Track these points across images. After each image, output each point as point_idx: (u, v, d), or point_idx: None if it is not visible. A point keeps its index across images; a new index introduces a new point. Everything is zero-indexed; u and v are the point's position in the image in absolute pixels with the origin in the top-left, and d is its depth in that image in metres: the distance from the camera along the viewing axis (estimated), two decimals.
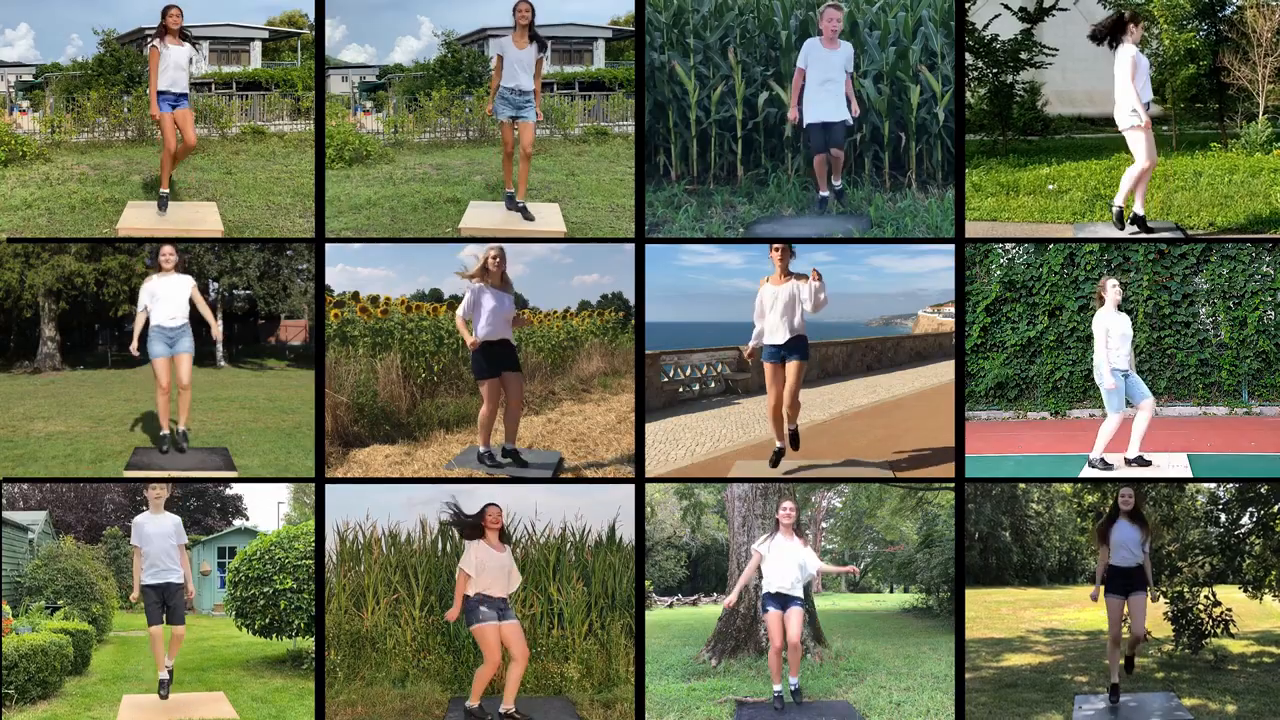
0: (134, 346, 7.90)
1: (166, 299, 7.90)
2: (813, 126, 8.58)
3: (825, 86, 8.48)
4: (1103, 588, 7.71)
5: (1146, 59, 8.24)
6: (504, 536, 7.20)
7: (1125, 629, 8.08)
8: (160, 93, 8.29)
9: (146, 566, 7.62)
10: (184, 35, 8.35)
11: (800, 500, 9.76)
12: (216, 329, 8.24)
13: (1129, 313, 9.09)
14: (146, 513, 7.70)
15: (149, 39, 8.43)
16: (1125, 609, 7.64)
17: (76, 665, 8.65)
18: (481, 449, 7.86)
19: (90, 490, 12.12)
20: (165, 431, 7.97)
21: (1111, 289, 8.10)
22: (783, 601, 7.23)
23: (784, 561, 7.27)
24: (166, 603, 7.63)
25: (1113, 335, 8.02)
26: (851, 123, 8.68)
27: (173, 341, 7.90)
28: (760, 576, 7.43)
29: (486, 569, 7.00)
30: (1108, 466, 8.05)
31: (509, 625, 6.98)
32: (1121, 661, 7.75)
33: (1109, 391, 8.02)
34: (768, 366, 7.72)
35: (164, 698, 7.63)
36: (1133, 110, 8.08)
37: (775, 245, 7.66)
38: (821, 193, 8.68)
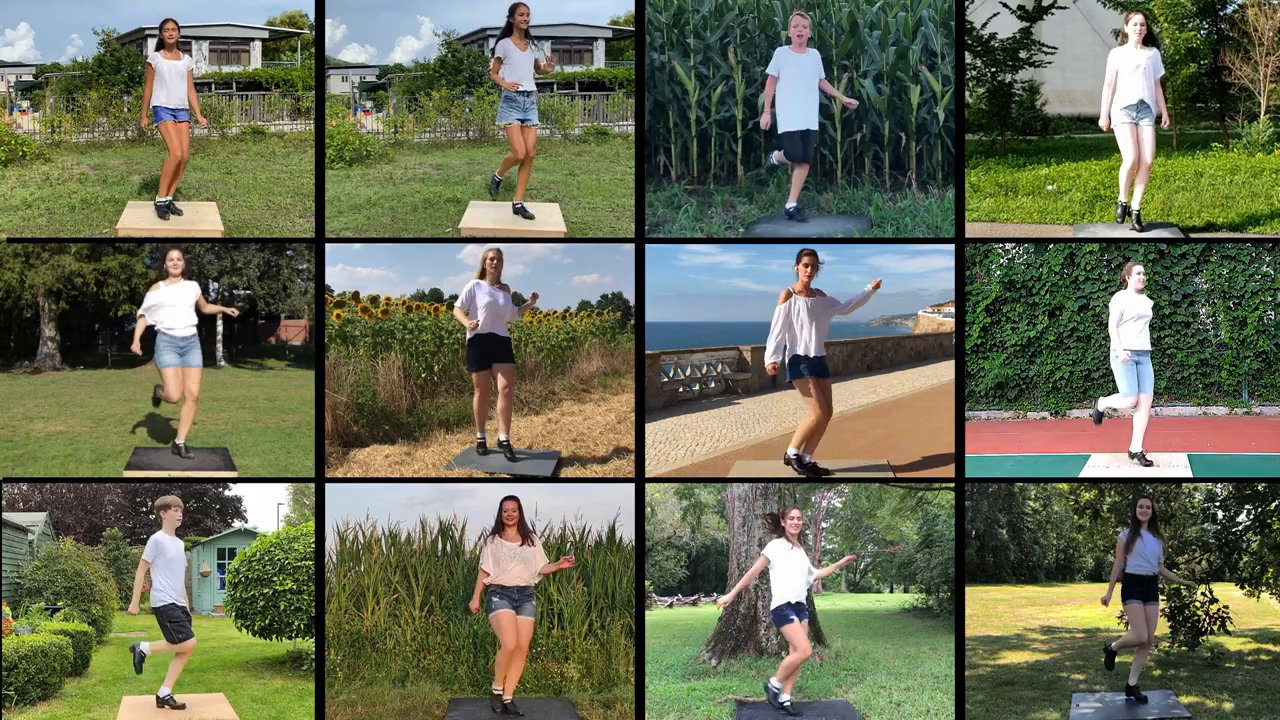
0: (135, 346, 7.84)
1: (175, 308, 7.84)
2: (791, 134, 8.47)
3: (799, 93, 8.43)
4: (1117, 592, 7.71)
5: (1138, 56, 8.23)
6: (525, 533, 7.23)
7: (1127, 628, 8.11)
8: (157, 107, 8.30)
9: (174, 586, 7.44)
10: (181, 47, 8.38)
11: (800, 500, 9.76)
12: (220, 310, 8.16)
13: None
14: (164, 533, 7.49)
15: (151, 41, 8.46)
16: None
17: (76, 666, 8.66)
18: (478, 434, 8.07)
19: (90, 491, 12.12)
20: (180, 441, 7.93)
21: (1135, 274, 8.15)
22: (800, 611, 7.21)
23: (797, 570, 7.24)
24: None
25: (1127, 315, 8.07)
26: (850, 111, 8.84)
27: (184, 351, 7.86)
28: (760, 578, 7.41)
29: (501, 560, 7.13)
30: (1148, 463, 8.05)
31: (524, 619, 7.11)
32: (1108, 657, 7.78)
33: (1123, 367, 8.05)
34: (810, 382, 7.51)
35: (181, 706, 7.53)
36: (1116, 110, 8.28)
37: (806, 261, 7.48)
38: (790, 204, 8.61)
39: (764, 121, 8.52)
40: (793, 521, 7.32)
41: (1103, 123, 8.39)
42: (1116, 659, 7.80)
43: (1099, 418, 8.35)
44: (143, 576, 7.45)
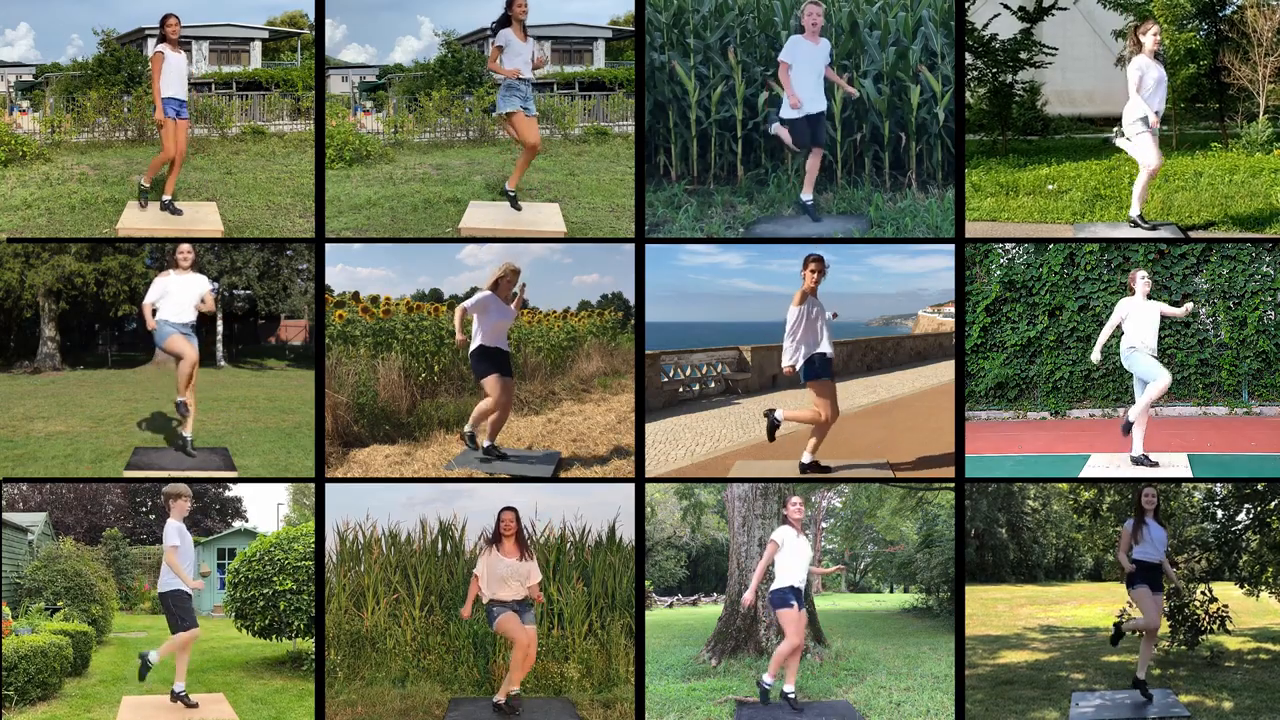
0: (150, 324, 7.81)
1: (178, 298, 7.84)
2: (798, 120, 8.47)
3: (810, 80, 8.45)
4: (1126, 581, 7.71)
5: (1159, 68, 8.19)
6: (523, 545, 7.20)
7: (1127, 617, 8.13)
8: (165, 98, 8.33)
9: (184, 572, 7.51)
10: (181, 45, 8.41)
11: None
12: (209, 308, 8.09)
13: None
14: (179, 522, 7.52)
15: (150, 40, 8.48)
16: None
17: (76, 666, 8.66)
18: (489, 442, 7.91)
19: (90, 491, 12.12)
20: (187, 434, 7.92)
21: (1140, 279, 8.12)
22: (799, 597, 7.22)
23: (799, 556, 7.27)
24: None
25: (1131, 319, 8.05)
26: (854, 95, 8.92)
27: (186, 335, 7.87)
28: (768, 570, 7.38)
29: (497, 576, 7.09)
30: (1152, 464, 8.05)
31: (531, 627, 7.13)
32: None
33: (1136, 357, 8.03)
34: (829, 383, 7.58)
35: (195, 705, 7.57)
36: (1135, 119, 8.17)
37: (813, 267, 7.49)
38: (805, 197, 8.61)
39: (793, 103, 8.43)
40: (794, 507, 7.34)
41: (1154, 122, 8.16)
42: (1121, 639, 7.74)
43: (1127, 428, 8.13)
44: (175, 559, 7.42)
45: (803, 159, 8.67)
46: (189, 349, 7.84)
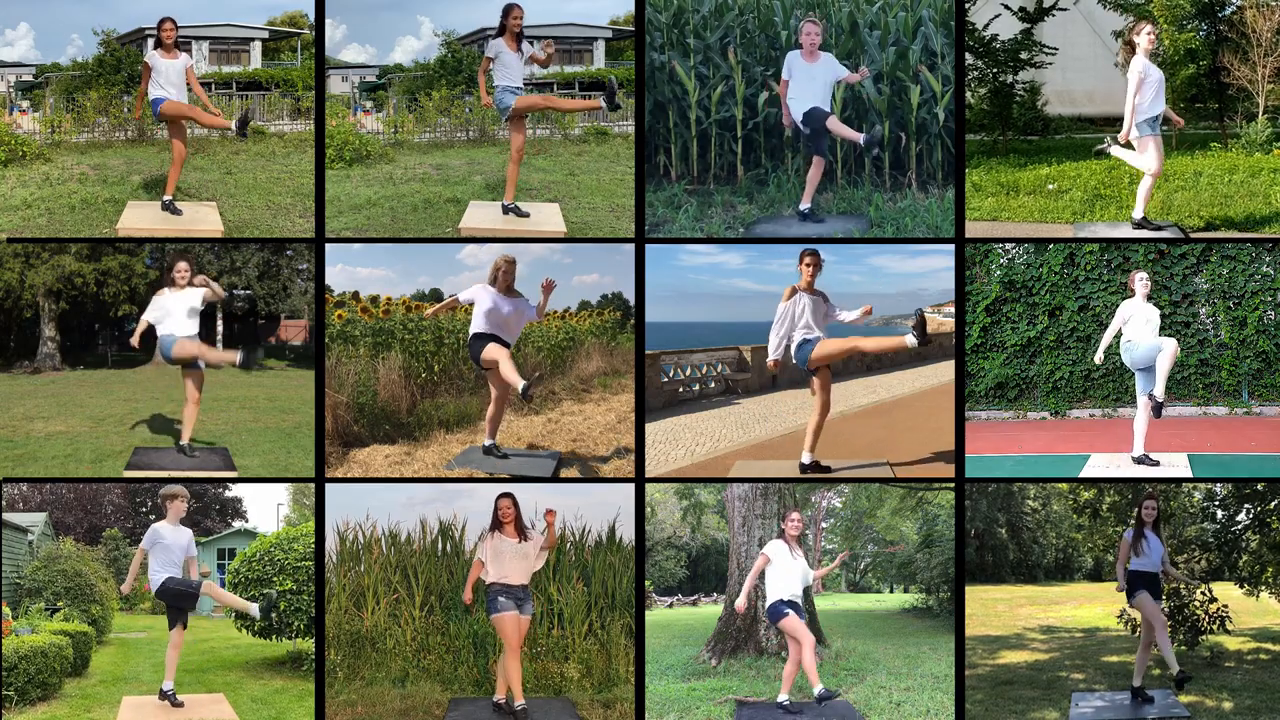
0: (135, 340, 7.79)
1: (178, 314, 7.81)
2: (811, 112, 8.40)
3: (806, 99, 8.41)
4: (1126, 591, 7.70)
5: (1158, 70, 8.19)
6: (521, 529, 7.19)
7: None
8: (156, 99, 8.32)
9: (166, 570, 7.46)
10: (180, 46, 8.39)
11: (800, 500, 9.77)
12: (209, 289, 8.03)
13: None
14: (165, 522, 7.51)
15: (151, 41, 8.48)
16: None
17: (76, 667, 8.65)
18: (489, 441, 7.91)
19: (90, 491, 12.13)
20: (185, 442, 7.93)
21: (1140, 281, 8.11)
22: (795, 607, 7.21)
23: (794, 570, 7.24)
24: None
25: (1133, 322, 8.04)
26: (866, 75, 8.75)
27: (191, 338, 7.85)
28: (760, 578, 7.39)
29: (503, 556, 7.06)
30: (1154, 464, 8.04)
31: (524, 618, 7.07)
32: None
33: (1141, 359, 8.02)
34: (827, 373, 7.61)
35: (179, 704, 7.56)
36: (1142, 122, 8.15)
37: (808, 260, 7.51)
38: (802, 206, 8.62)
39: (785, 120, 8.49)
40: (793, 524, 7.32)
41: (1125, 135, 8.16)
42: (1179, 675, 7.53)
43: (1158, 409, 8.05)
44: (138, 563, 7.44)
45: (804, 167, 8.66)
46: (193, 348, 7.75)
